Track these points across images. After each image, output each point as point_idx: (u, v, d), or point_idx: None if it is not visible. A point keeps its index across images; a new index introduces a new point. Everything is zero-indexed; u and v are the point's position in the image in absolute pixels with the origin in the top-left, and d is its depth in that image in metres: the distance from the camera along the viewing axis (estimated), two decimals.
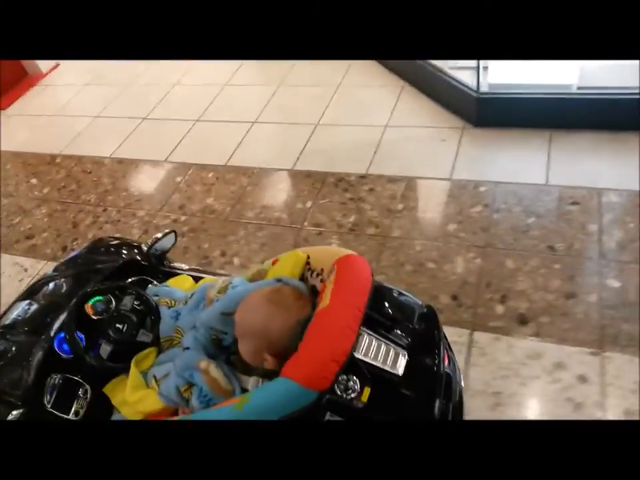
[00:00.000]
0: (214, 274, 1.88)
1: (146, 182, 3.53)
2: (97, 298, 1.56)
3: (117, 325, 1.50)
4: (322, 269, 1.40)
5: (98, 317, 1.52)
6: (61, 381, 1.46)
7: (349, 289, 1.25)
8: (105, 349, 1.49)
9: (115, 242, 2.04)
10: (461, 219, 2.69)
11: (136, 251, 1.92)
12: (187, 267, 1.96)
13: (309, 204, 3.01)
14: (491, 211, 2.69)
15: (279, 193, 3.17)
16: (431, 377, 1.33)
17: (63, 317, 1.56)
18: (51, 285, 1.83)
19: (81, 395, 1.45)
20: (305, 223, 2.89)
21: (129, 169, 3.65)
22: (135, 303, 1.57)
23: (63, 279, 1.85)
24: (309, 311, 1.28)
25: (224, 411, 1.16)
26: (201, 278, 1.80)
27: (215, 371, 1.30)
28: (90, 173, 3.72)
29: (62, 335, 1.52)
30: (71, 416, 1.42)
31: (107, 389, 1.50)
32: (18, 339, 1.65)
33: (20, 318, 1.73)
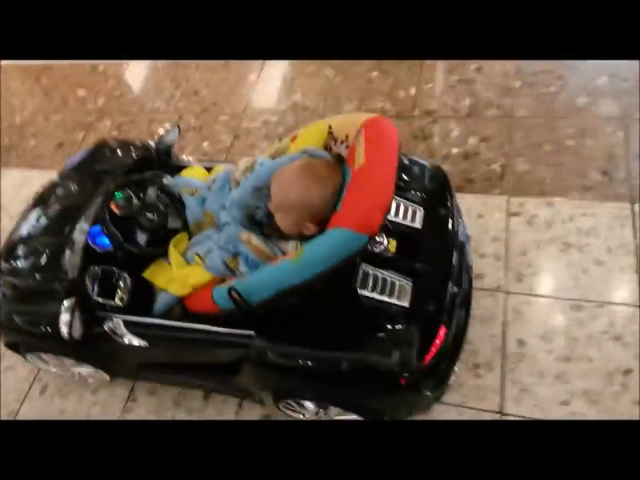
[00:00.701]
0: (222, 162, 1.97)
1: (216, 84, 3.23)
2: (118, 194, 1.63)
3: (148, 215, 1.60)
4: (346, 136, 1.46)
5: (123, 210, 1.60)
6: (100, 272, 1.57)
7: (382, 147, 1.33)
8: (142, 237, 1.59)
9: (120, 143, 2.07)
10: (589, 91, 2.55)
11: (144, 148, 1.97)
12: (193, 159, 2.04)
13: (412, 91, 2.81)
14: (619, 81, 2.55)
15: (372, 82, 2.94)
16: (445, 227, 1.54)
17: (89, 214, 1.62)
18: (62, 190, 1.89)
19: (122, 284, 1.56)
20: (416, 111, 2.72)
21: (189, 72, 3.33)
22: (158, 193, 1.67)
23: (73, 183, 1.90)
24: (341, 177, 1.37)
25: (281, 265, 1.31)
26: (211, 168, 1.90)
27: (256, 240, 1.42)
28: (145, 79, 3.38)
29: (94, 230, 1.60)
30: (117, 302, 1.55)
31: (147, 274, 1.61)
32: (42, 242, 1.74)
33: (37, 225, 1.82)
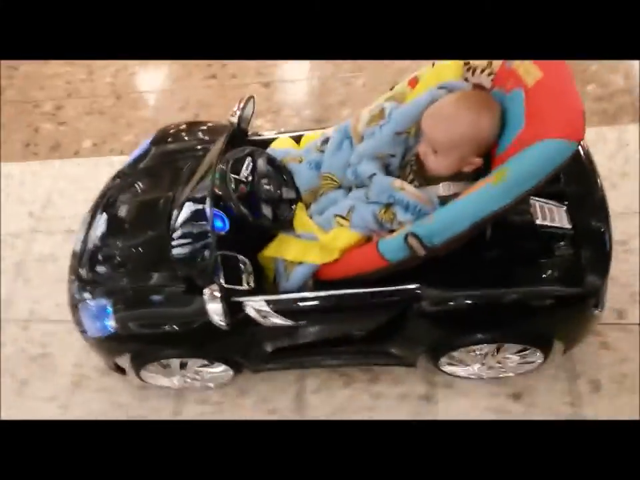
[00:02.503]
0: (306, 130, 1.83)
1: None
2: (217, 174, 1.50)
3: (265, 186, 1.53)
4: (489, 62, 1.38)
5: (241, 184, 1.49)
6: (220, 258, 1.42)
7: (554, 62, 1.24)
8: (267, 210, 1.51)
9: (187, 125, 1.98)
10: None
11: (220, 126, 1.87)
12: (274, 131, 1.91)
13: None
14: None
15: None
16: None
17: (195, 199, 1.53)
18: (133, 187, 1.78)
19: (243, 268, 1.43)
20: None
21: None
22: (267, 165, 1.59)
23: (147, 177, 1.80)
24: (497, 102, 1.30)
25: (478, 192, 1.21)
26: (300, 137, 1.79)
27: (409, 186, 1.36)
28: None
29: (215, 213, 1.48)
30: (245, 287, 1.42)
31: (271, 252, 1.53)
32: (136, 241, 1.65)
33: (113, 228, 1.71)
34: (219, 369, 1.75)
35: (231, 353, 1.69)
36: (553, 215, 1.41)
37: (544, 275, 1.39)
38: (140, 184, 1.79)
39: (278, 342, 1.67)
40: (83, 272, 1.67)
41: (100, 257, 1.67)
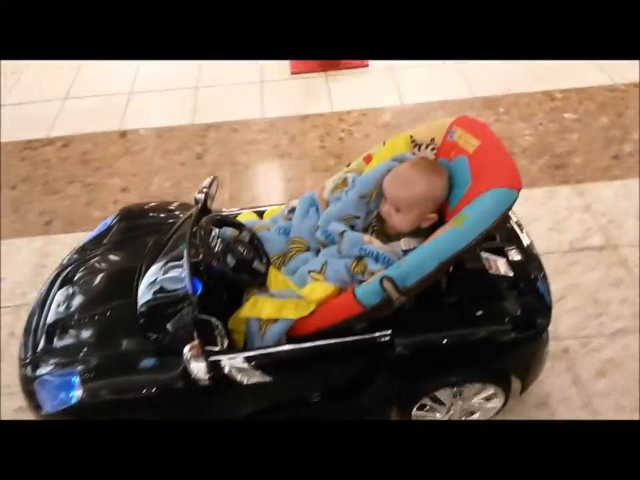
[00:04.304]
0: (268, 206, 1.99)
1: None
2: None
3: (239, 248, 1.59)
4: (432, 139, 1.63)
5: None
6: (195, 321, 1.47)
7: (486, 130, 1.51)
8: (231, 261, 1.55)
9: (160, 204, 2.08)
10: None
11: (185, 205, 2.01)
12: (236, 208, 2.03)
13: None
14: None
15: None
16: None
17: (174, 263, 1.59)
18: (99, 260, 1.82)
19: (217, 330, 1.48)
20: None
21: None
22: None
23: (110, 252, 1.85)
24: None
25: (442, 235, 1.39)
26: (263, 212, 1.95)
27: (376, 240, 1.53)
28: None
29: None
30: (220, 347, 1.47)
31: (246, 312, 1.56)
32: (100, 312, 1.66)
33: (75, 299, 1.71)
34: None
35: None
36: (497, 265, 1.62)
37: (503, 316, 1.57)
38: (103, 258, 1.81)
39: (251, 406, 1.66)
40: (40, 348, 1.62)
41: (60, 330, 1.64)
